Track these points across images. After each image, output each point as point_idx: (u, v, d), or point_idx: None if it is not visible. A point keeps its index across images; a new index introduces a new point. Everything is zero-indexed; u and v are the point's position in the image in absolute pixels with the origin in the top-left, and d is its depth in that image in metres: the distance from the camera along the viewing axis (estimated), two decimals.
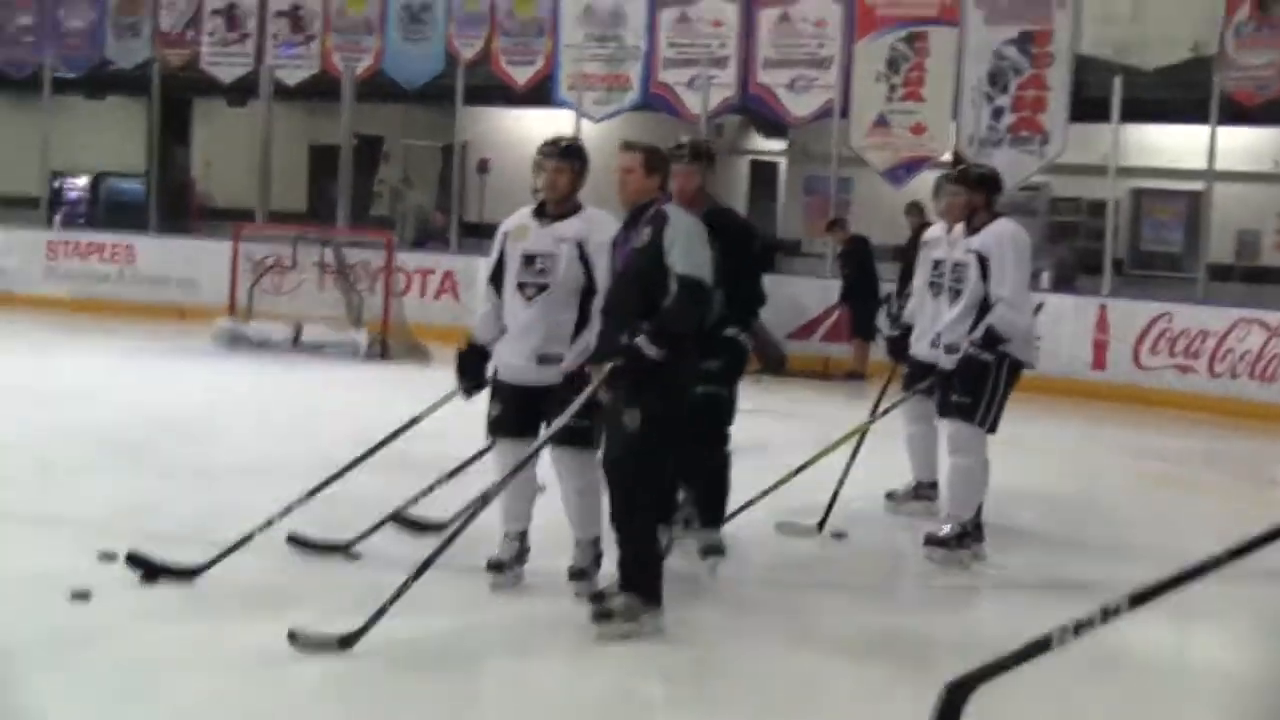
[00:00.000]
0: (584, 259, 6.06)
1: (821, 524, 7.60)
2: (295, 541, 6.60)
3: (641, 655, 5.50)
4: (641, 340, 5.61)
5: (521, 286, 6.14)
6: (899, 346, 8.23)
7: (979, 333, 7.08)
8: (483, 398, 6.37)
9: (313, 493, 6.58)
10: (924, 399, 7.86)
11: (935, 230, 8.10)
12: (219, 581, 6.02)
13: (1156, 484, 9.39)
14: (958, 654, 5.97)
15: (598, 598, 5.79)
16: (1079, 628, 3.77)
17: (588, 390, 5.84)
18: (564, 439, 5.98)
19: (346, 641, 5.26)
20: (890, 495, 8.33)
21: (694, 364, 5.97)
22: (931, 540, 7.23)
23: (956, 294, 7.28)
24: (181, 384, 12.65)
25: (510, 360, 6.21)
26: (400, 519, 6.92)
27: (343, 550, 6.64)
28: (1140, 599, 3.73)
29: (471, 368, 6.41)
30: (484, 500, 5.97)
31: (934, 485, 8.17)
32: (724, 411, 6.79)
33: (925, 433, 8.12)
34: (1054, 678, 4.64)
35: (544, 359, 6.10)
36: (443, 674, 5.31)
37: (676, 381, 5.78)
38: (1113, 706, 5.38)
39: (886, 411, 8.02)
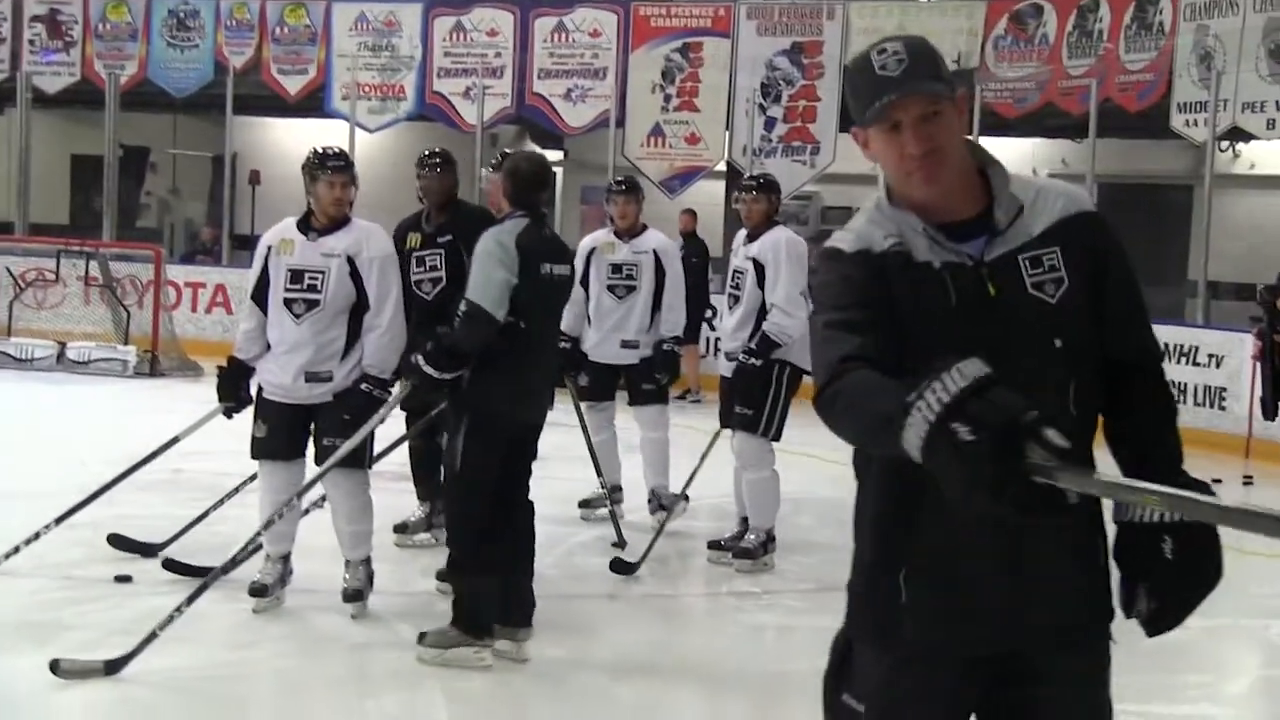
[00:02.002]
0: (355, 274, 5.94)
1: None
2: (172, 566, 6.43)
3: (425, 676, 5.43)
4: (420, 358, 5.54)
5: (289, 303, 5.95)
6: (569, 359, 8.19)
7: (754, 340, 7.20)
8: (246, 416, 6.21)
9: (63, 517, 6.34)
10: (606, 408, 8.25)
11: (602, 235, 8.44)
12: None
13: None
14: (741, 659, 6.09)
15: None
16: None
17: (386, 405, 5.78)
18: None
19: (113, 667, 5.09)
20: (585, 503, 8.32)
21: (506, 394, 5.55)
22: (740, 553, 7.35)
23: (736, 300, 7.39)
24: None
25: (277, 379, 6.02)
26: (115, 539, 6.77)
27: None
28: None
29: (233, 386, 6.22)
30: (265, 528, 5.87)
31: (619, 487, 8.30)
32: None
33: (608, 439, 8.32)
34: None
35: (313, 377, 5.95)
36: (215, 701, 5.19)
37: (483, 410, 5.52)
38: None
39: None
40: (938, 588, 2.49)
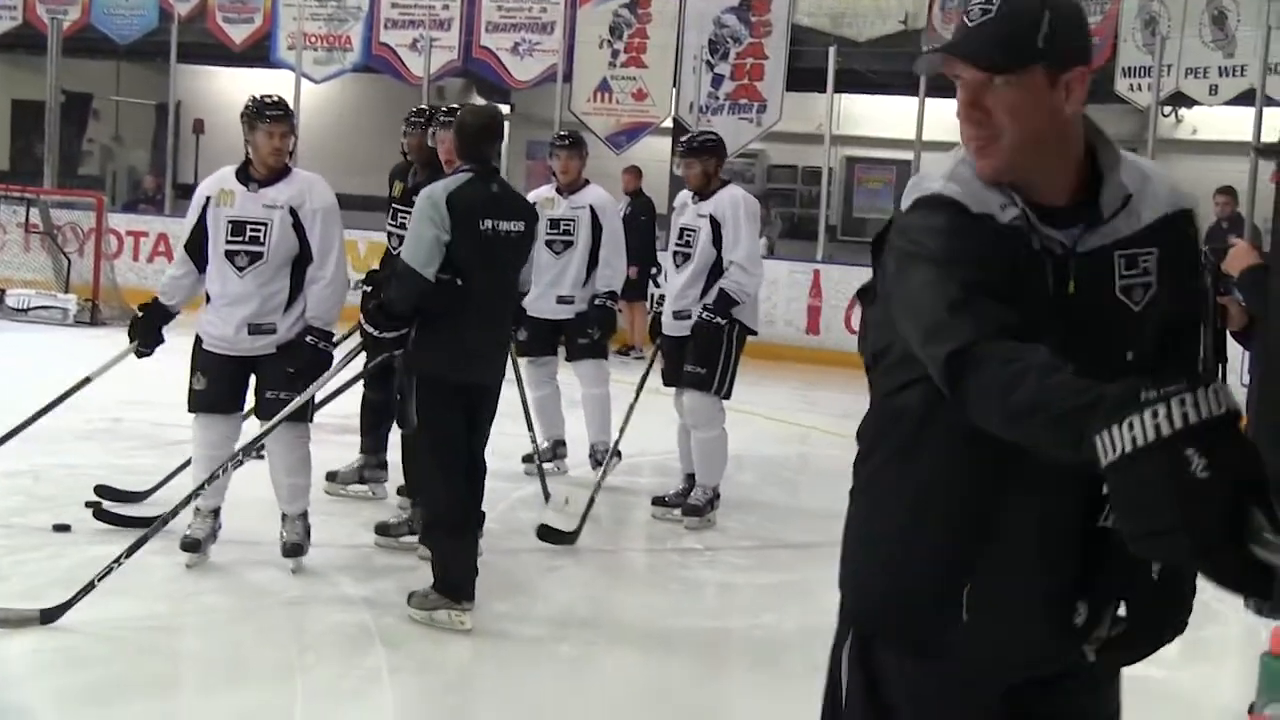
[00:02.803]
0: (298, 226, 5.88)
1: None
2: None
3: (364, 629, 5.45)
4: (363, 316, 5.55)
5: (231, 255, 5.89)
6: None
7: (711, 297, 7.19)
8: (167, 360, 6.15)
9: None
10: (547, 363, 8.24)
11: (544, 190, 8.39)
12: None
13: None
14: (682, 615, 6.13)
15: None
16: None
17: (335, 365, 5.79)
18: (275, 414, 5.85)
19: (49, 616, 5.08)
20: (528, 458, 8.15)
21: (446, 357, 5.46)
22: (688, 510, 7.40)
23: (685, 259, 7.36)
24: None
25: (219, 330, 5.96)
26: (102, 490, 6.74)
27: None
28: None
29: (147, 327, 6.15)
30: (209, 482, 5.87)
31: (563, 443, 8.33)
32: None
33: (550, 394, 8.31)
34: None
35: (256, 329, 5.90)
36: (154, 653, 5.20)
37: (426, 373, 5.48)
38: None
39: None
40: (1003, 605, 2.21)
